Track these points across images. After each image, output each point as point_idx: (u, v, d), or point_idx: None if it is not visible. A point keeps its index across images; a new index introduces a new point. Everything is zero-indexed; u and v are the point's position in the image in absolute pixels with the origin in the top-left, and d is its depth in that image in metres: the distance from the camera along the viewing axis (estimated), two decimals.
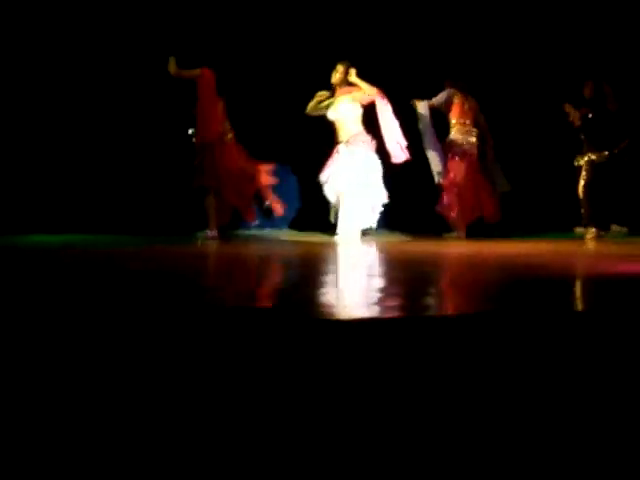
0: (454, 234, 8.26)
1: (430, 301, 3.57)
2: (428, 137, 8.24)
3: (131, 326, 2.65)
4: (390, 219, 8.74)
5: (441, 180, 8.23)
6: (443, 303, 3.58)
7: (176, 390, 2.38)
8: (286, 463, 2.21)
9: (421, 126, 8.23)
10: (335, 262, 5.97)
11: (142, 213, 8.25)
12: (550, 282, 4.23)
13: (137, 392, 2.38)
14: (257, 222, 8.06)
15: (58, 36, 8.28)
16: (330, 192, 7.84)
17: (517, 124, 8.77)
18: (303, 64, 8.44)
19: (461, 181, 8.20)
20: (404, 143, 7.94)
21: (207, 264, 5.76)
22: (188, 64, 7.64)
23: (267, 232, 8.12)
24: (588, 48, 8.58)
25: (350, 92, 7.91)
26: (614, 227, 8.20)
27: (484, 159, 8.38)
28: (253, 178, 7.82)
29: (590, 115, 8.02)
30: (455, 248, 7.13)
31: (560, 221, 8.41)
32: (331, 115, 7.90)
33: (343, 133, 7.88)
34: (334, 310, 3.24)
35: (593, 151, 8.09)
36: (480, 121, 8.36)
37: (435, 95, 8.35)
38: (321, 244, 7.29)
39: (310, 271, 5.05)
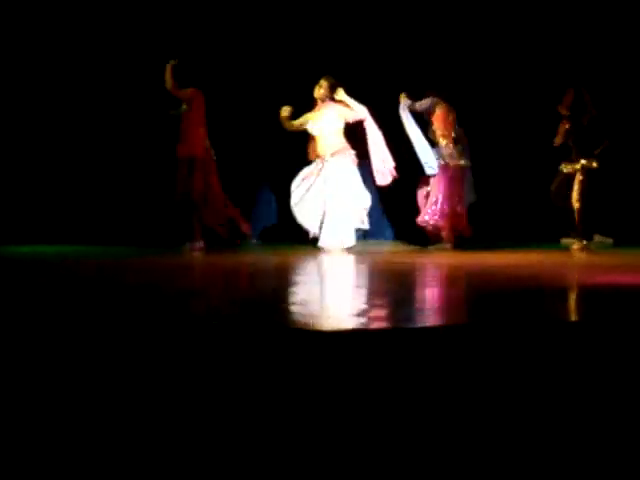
0: (442, 245, 8.25)
1: (416, 313, 3.56)
2: (412, 130, 8.23)
3: (126, 338, 2.64)
4: (380, 229, 8.76)
5: (433, 171, 8.19)
6: (431, 315, 3.56)
7: (168, 399, 2.37)
8: (272, 469, 2.20)
9: (405, 120, 8.21)
10: (318, 273, 5.95)
11: (132, 224, 8.21)
12: (539, 293, 4.23)
13: (131, 400, 2.37)
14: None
15: (50, 48, 8.25)
16: (300, 216, 7.82)
17: (499, 134, 8.78)
18: (279, 79, 8.40)
19: (446, 192, 8.21)
20: (391, 165, 7.93)
21: (193, 276, 5.73)
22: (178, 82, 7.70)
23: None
24: (566, 56, 8.61)
25: (334, 107, 7.86)
26: (597, 237, 8.21)
27: (462, 171, 8.40)
28: (226, 198, 7.86)
29: (579, 121, 8.04)
30: (444, 259, 7.12)
31: (544, 232, 8.40)
32: (314, 130, 7.86)
33: (324, 147, 7.81)
34: (316, 321, 3.22)
35: (584, 157, 8.08)
36: (459, 132, 8.38)
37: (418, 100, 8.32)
38: (305, 254, 7.28)
39: (291, 282, 5.03)
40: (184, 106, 7.75)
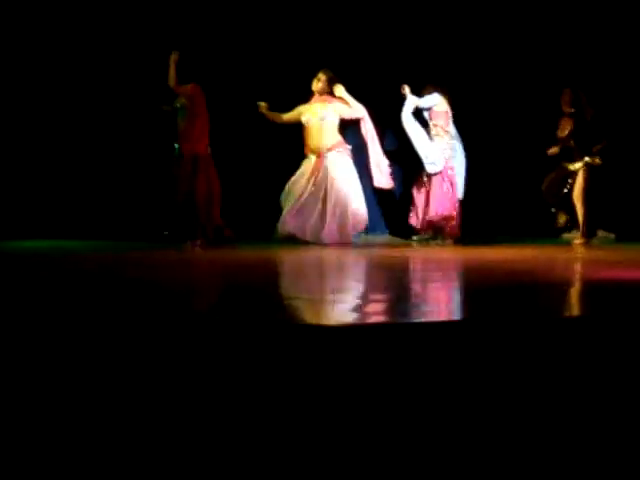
0: (440, 240, 8.23)
1: (413, 308, 3.54)
2: (414, 127, 8.21)
3: (127, 333, 2.62)
4: (375, 223, 8.75)
5: (435, 168, 8.17)
6: (427, 310, 3.54)
7: (169, 393, 2.37)
8: (267, 467, 2.18)
9: (407, 117, 8.19)
10: (318, 267, 5.94)
11: (133, 220, 8.20)
12: (537, 288, 4.21)
13: (131, 398, 2.36)
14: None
15: (49, 44, 8.25)
16: (285, 199, 7.75)
17: (496, 129, 8.76)
18: (276, 73, 8.35)
19: (447, 188, 8.22)
20: (387, 170, 7.89)
21: (192, 272, 5.71)
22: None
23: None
24: (563, 54, 8.60)
25: (331, 102, 7.84)
26: (600, 232, 8.18)
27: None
28: (219, 198, 7.80)
29: (581, 119, 8.01)
30: (441, 254, 7.10)
31: (541, 227, 8.39)
32: (310, 121, 7.78)
33: (318, 141, 7.77)
34: (314, 315, 3.21)
35: (587, 155, 8.05)
36: (451, 129, 8.38)
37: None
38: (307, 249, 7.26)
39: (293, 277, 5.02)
40: (178, 102, 7.69)
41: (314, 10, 8.49)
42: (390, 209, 8.87)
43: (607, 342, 2.72)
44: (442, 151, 8.18)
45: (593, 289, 4.32)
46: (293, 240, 7.59)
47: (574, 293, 4.23)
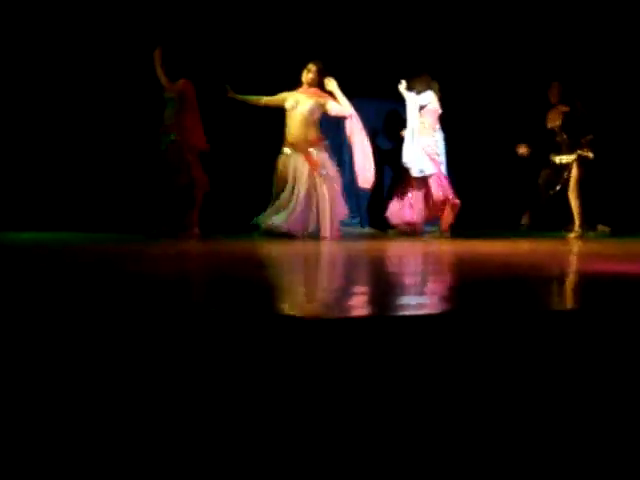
0: (436, 232, 8.24)
1: (405, 300, 3.54)
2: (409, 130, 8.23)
3: (125, 325, 2.63)
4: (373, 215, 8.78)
5: (426, 173, 8.17)
6: (418, 302, 3.53)
7: (167, 386, 2.38)
8: (259, 463, 2.18)
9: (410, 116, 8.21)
10: (308, 260, 5.94)
11: (130, 212, 8.20)
12: (528, 281, 4.21)
13: (130, 394, 2.37)
14: None
15: (43, 40, 8.25)
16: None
17: (489, 123, 8.78)
18: (267, 65, 8.35)
19: (441, 183, 8.24)
20: (372, 171, 7.80)
21: (189, 265, 5.71)
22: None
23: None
24: (551, 48, 8.61)
25: (320, 96, 7.71)
26: (600, 227, 8.20)
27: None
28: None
29: (572, 112, 8.01)
30: (435, 247, 7.10)
31: (534, 221, 8.40)
32: (294, 109, 7.61)
33: (297, 133, 7.65)
34: (303, 308, 3.20)
35: (579, 148, 8.05)
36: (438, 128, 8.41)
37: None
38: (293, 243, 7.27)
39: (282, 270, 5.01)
40: (167, 94, 7.65)
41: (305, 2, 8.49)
42: (370, 201, 8.92)
43: (599, 335, 2.72)
44: (425, 148, 8.15)
45: (585, 282, 4.32)
46: (279, 235, 7.45)
47: (566, 286, 4.23)
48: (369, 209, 9.13)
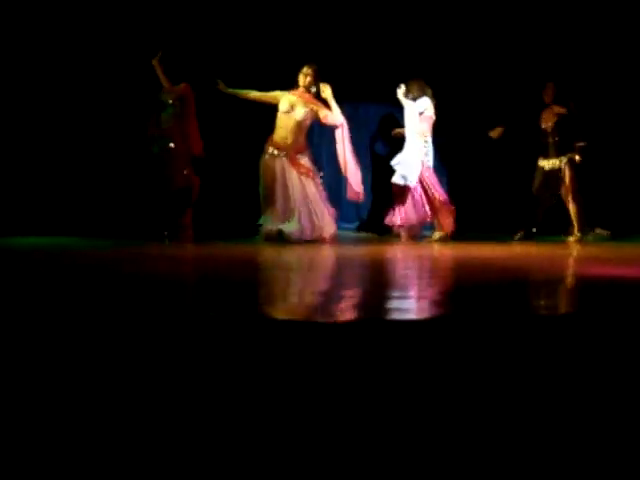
0: (437, 236, 8.23)
1: (400, 304, 3.53)
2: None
3: (123, 328, 2.62)
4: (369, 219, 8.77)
5: (413, 183, 8.16)
6: (415, 306, 3.53)
7: (166, 388, 2.39)
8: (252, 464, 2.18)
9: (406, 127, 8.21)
10: (311, 263, 5.94)
11: (127, 216, 8.19)
12: (525, 285, 4.21)
13: (129, 393, 2.38)
14: None
15: (43, 47, 8.24)
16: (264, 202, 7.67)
17: (484, 127, 8.76)
18: (264, 70, 8.33)
19: (436, 187, 8.24)
20: (360, 185, 7.75)
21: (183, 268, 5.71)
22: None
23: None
24: (545, 50, 8.61)
25: (314, 102, 7.63)
26: (598, 230, 8.19)
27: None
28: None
29: (566, 114, 8.01)
30: (431, 251, 7.09)
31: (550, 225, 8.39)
32: (287, 113, 7.52)
33: (285, 137, 7.56)
34: (294, 312, 3.20)
35: (569, 151, 8.04)
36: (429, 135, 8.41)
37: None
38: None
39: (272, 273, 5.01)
40: (166, 98, 7.64)
41: (301, 5, 8.49)
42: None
43: (596, 339, 2.72)
44: (415, 156, 8.15)
45: (583, 286, 4.32)
46: (279, 240, 7.37)
47: (564, 290, 4.22)
48: (367, 214, 9.12)
